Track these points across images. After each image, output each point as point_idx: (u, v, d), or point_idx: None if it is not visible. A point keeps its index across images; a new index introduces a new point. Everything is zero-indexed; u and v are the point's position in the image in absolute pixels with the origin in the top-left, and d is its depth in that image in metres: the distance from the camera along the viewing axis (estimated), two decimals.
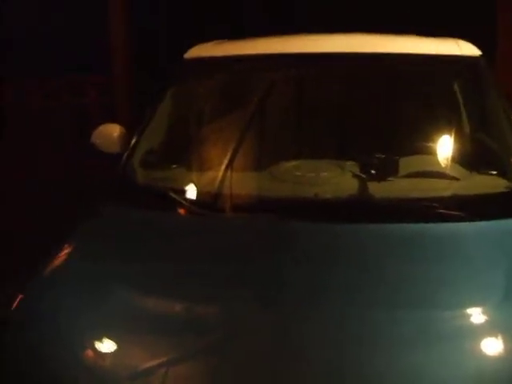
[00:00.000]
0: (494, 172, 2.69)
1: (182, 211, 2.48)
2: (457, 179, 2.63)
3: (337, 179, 2.56)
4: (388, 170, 2.55)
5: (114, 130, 3.08)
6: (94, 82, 5.53)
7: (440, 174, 2.64)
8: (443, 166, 2.69)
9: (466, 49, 3.06)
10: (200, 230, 2.37)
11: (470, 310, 1.97)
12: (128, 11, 5.44)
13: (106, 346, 1.93)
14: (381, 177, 2.52)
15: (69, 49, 5.79)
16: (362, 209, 2.39)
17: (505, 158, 2.76)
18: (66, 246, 2.40)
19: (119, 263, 2.25)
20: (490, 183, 2.62)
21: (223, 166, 2.65)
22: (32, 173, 5.01)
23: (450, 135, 2.81)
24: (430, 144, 2.79)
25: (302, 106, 3.07)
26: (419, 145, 2.78)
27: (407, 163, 2.65)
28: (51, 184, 4.87)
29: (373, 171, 2.51)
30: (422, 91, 3.05)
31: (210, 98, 3.16)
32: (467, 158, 2.76)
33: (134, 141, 2.87)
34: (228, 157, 2.69)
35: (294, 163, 2.68)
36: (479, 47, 3.09)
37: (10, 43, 5.56)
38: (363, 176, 2.53)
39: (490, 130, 2.96)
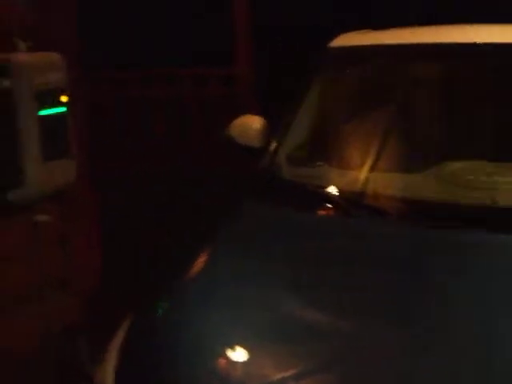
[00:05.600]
0: None
1: (339, 213, 2.26)
2: None
3: None
4: None
5: (253, 122, 2.89)
6: (217, 75, 5.41)
7: None
8: None
9: None
10: (362, 236, 2.14)
11: None
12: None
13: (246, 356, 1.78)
14: None
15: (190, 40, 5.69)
16: None
17: None
18: (210, 250, 2.24)
19: (272, 272, 2.05)
20: None
21: (379, 166, 2.42)
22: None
23: None
24: None
25: (458, 100, 2.76)
26: None
27: None
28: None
29: None
30: None
31: (356, 91, 2.91)
32: None
33: (280, 134, 2.66)
34: (383, 155, 2.45)
35: (461, 165, 2.40)
36: None
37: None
38: None
39: None
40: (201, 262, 2.19)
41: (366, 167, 2.44)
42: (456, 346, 1.70)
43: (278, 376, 1.71)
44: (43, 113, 2.65)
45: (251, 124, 2.88)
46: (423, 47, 2.76)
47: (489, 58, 2.60)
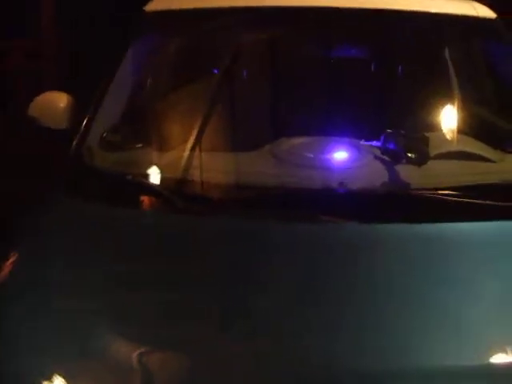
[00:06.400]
0: None
1: (161, 206, 1.90)
2: (492, 161, 2.15)
3: (358, 163, 2.03)
4: (421, 152, 2.02)
5: (58, 100, 2.44)
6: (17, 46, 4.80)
7: (473, 156, 2.14)
8: (473, 145, 2.21)
9: (482, 11, 2.58)
10: (187, 232, 1.80)
11: None
12: None
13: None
14: (414, 160, 2.00)
15: None
16: (403, 203, 1.86)
17: None
18: (11, 261, 1.80)
19: (83, 283, 1.69)
20: None
21: (205, 146, 2.09)
22: None
23: (472, 106, 2.35)
24: (450, 119, 2.29)
25: (293, 70, 2.46)
26: (436, 120, 2.28)
27: (432, 142, 2.14)
28: None
29: (408, 153, 1.98)
30: (434, 54, 2.55)
31: (178, 61, 2.54)
32: (493, 135, 2.29)
33: (90, 113, 2.24)
34: (209, 133, 2.13)
35: (298, 141, 2.12)
36: None
37: None
38: (393, 160, 2.01)
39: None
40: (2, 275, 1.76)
41: (191, 148, 2.08)
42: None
43: None
44: None
45: (55, 102, 2.42)
46: (252, 11, 2.46)
47: (325, 23, 2.35)
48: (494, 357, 1.49)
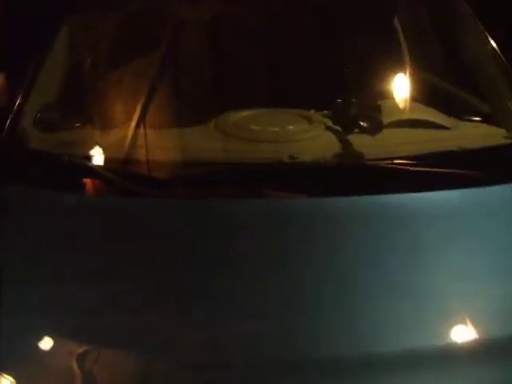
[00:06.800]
0: (482, 119, 2.16)
1: (105, 188, 1.79)
2: (446, 128, 2.08)
3: (309, 134, 1.94)
4: (374, 120, 1.95)
5: None
6: None
7: (428, 123, 2.08)
8: (427, 112, 2.14)
9: None
10: (140, 216, 1.70)
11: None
12: None
13: None
14: (367, 129, 1.91)
15: None
16: (357, 174, 1.77)
17: (496, 102, 2.23)
18: None
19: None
20: (486, 133, 2.08)
21: (148, 122, 1.98)
22: None
23: (425, 73, 2.29)
24: (403, 86, 2.21)
25: (235, 39, 2.34)
26: (389, 87, 2.20)
27: (385, 110, 2.06)
28: None
29: (360, 122, 1.90)
30: (384, 21, 2.46)
31: (118, 33, 2.40)
32: (446, 102, 2.22)
33: (24, 91, 2.11)
34: (152, 109, 2.02)
35: (245, 114, 2.02)
36: None
37: None
38: (346, 129, 1.93)
39: (470, 69, 2.41)
40: None
41: (134, 126, 1.97)
42: None
43: None
44: None
45: None
46: None
47: None
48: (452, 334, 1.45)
